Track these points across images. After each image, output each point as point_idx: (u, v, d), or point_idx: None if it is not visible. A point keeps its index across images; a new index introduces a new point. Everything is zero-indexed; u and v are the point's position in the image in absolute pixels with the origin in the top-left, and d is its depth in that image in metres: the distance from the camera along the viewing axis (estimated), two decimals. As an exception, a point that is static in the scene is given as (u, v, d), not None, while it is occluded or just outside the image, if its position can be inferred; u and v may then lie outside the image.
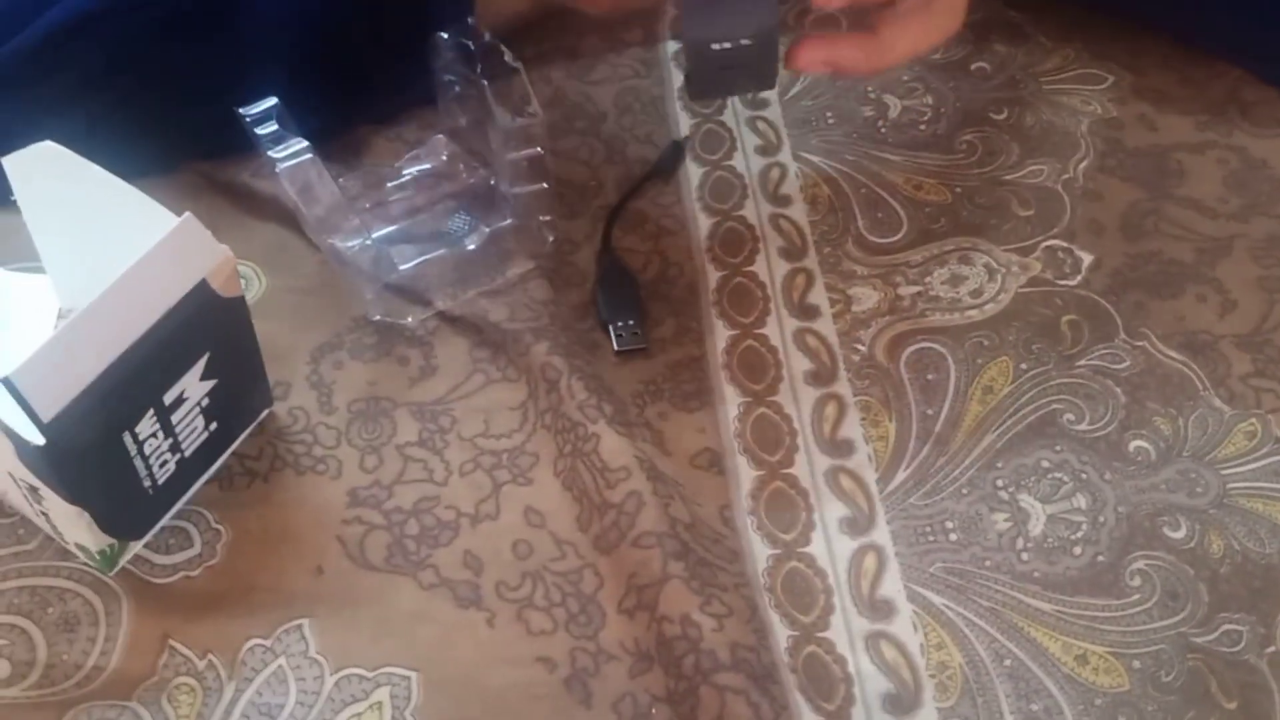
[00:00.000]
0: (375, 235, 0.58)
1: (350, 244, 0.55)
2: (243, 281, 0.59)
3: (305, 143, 0.53)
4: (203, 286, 0.46)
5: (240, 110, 0.54)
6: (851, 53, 0.50)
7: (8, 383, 0.40)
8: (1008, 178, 0.61)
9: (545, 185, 0.58)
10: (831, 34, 0.51)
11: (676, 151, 0.64)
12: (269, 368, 0.53)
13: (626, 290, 0.57)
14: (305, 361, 0.56)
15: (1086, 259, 0.58)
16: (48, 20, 0.55)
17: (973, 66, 0.67)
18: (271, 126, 0.54)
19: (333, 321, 0.57)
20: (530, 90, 0.55)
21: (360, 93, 0.63)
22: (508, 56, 0.55)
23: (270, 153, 0.53)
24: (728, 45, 0.48)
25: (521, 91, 0.56)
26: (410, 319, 0.57)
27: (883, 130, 0.64)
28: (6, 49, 0.54)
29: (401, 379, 0.55)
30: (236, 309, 0.48)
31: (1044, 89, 0.65)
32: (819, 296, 0.57)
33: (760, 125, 0.65)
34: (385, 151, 0.64)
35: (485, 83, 0.55)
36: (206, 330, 0.47)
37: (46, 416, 0.42)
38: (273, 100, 0.54)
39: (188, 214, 0.45)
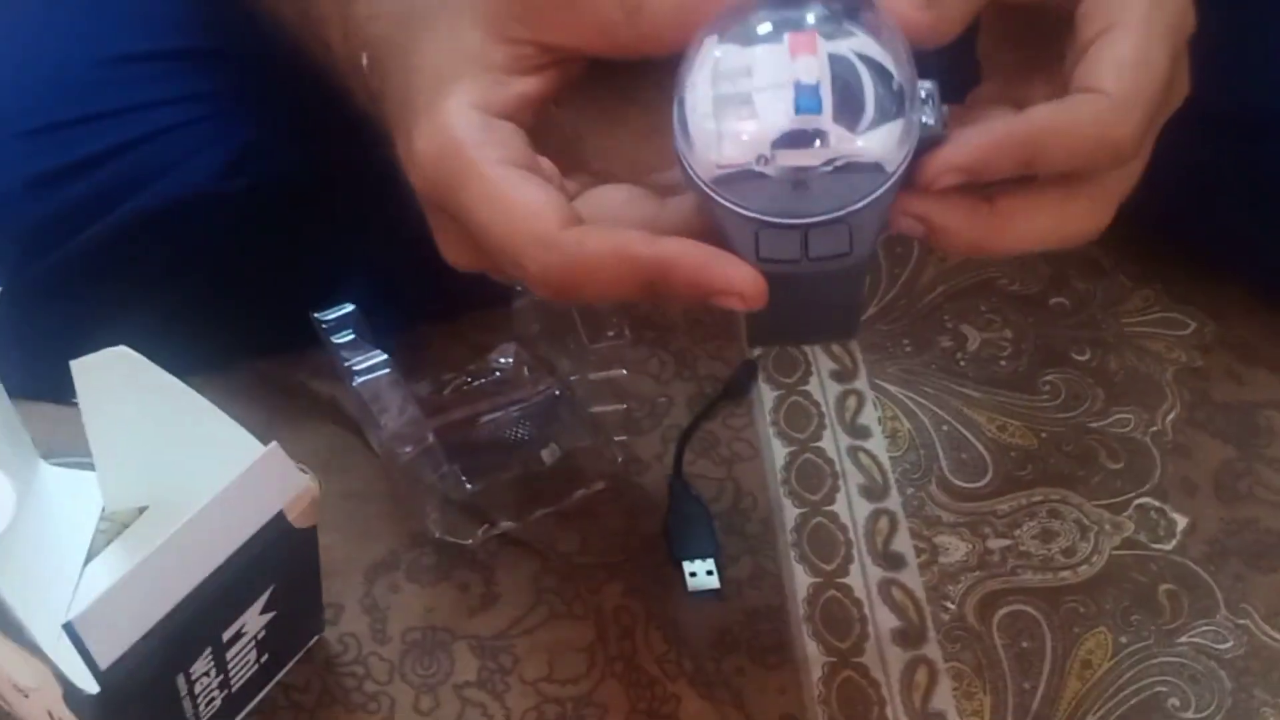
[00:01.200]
0: (442, 449, 0.55)
1: (416, 457, 0.52)
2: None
3: (383, 355, 0.51)
4: (279, 519, 0.43)
5: (316, 315, 0.52)
6: (956, 218, 0.36)
7: (69, 628, 0.37)
8: (1094, 425, 0.59)
9: (625, 406, 0.55)
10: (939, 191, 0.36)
11: (749, 371, 0.62)
12: (321, 586, 0.50)
13: (700, 523, 0.55)
14: (360, 581, 0.52)
15: (1181, 521, 0.56)
16: (127, 210, 0.52)
17: (1051, 301, 0.65)
18: (348, 335, 0.51)
19: (390, 536, 0.54)
20: (617, 309, 0.53)
21: (431, 291, 0.61)
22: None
23: (348, 364, 0.50)
24: (802, 281, 0.36)
25: (607, 309, 0.54)
26: (472, 540, 0.54)
27: (962, 363, 0.62)
28: (84, 237, 0.52)
29: (461, 607, 0.52)
30: (308, 539, 0.45)
31: (1125, 331, 0.64)
32: (904, 544, 0.54)
33: (835, 349, 0.63)
34: (450, 353, 0.61)
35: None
36: (276, 563, 0.44)
37: (105, 663, 0.38)
38: (349, 306, 0.52)
39: (274, 444, 0.42)
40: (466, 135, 0.37)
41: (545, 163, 0.38)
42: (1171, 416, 0.60)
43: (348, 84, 0.45)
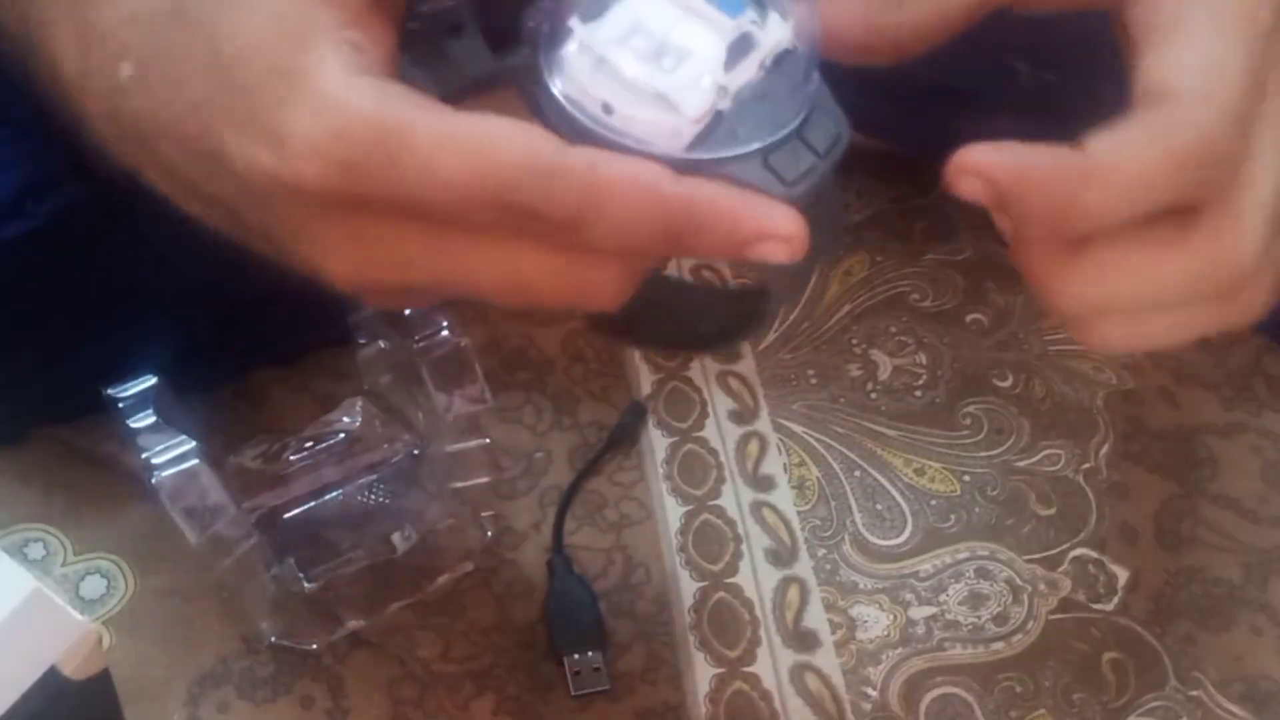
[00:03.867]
0: (275, 538, 0.46)
1: (238, 559, 0.44)
2: (105, 583, 0.48)
3: (191, 443, 0.42)
4: (51, 676, 0.34)
5: (110, 392, 0.43)
6: (1048, 172, 0.27)
7: None
8: (1021, 464, 0.53)
9: (488, 479, 0.48)
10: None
11: (637, 415, 0.54)
12: (133, 709, 0.42)
13: (583, 609, 0.47)
14: (182, 701, 0.44)
15: (1121, 575, 0.50)
16: None
17: (968, 318, 0.59)
18: (148, 417, 0.43)
19: (217, 642, 0.46)
20: (476, 367, 0.45)
21: (265, 332, 0.53)
22: (446, 327, 0.45)
23: (145, 455, 0.42)
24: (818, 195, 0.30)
25: (464, 367, 0.46)
26: (316, 645, 0.46)
27: (873, 395, 0.55)
28: None
29: (304, 728, 0.44)
30: (96, 689, 0.37)
31: (1050, 350, 0.57)
32: (817, 618, 0.48)
33: (733, 383, 0.55)
34: (288, 407, 0.53)
35: (419, 361, 0.45)
36: (52, 727, 0.35)
37: None
38: (149, 379, 0.43)
39: (36, 587, 0.34)
40: (375, 100, 0.28)
41: None
42: (1105, 450, 0.54)
43: (82, 104, 0.35)
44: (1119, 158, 0.27)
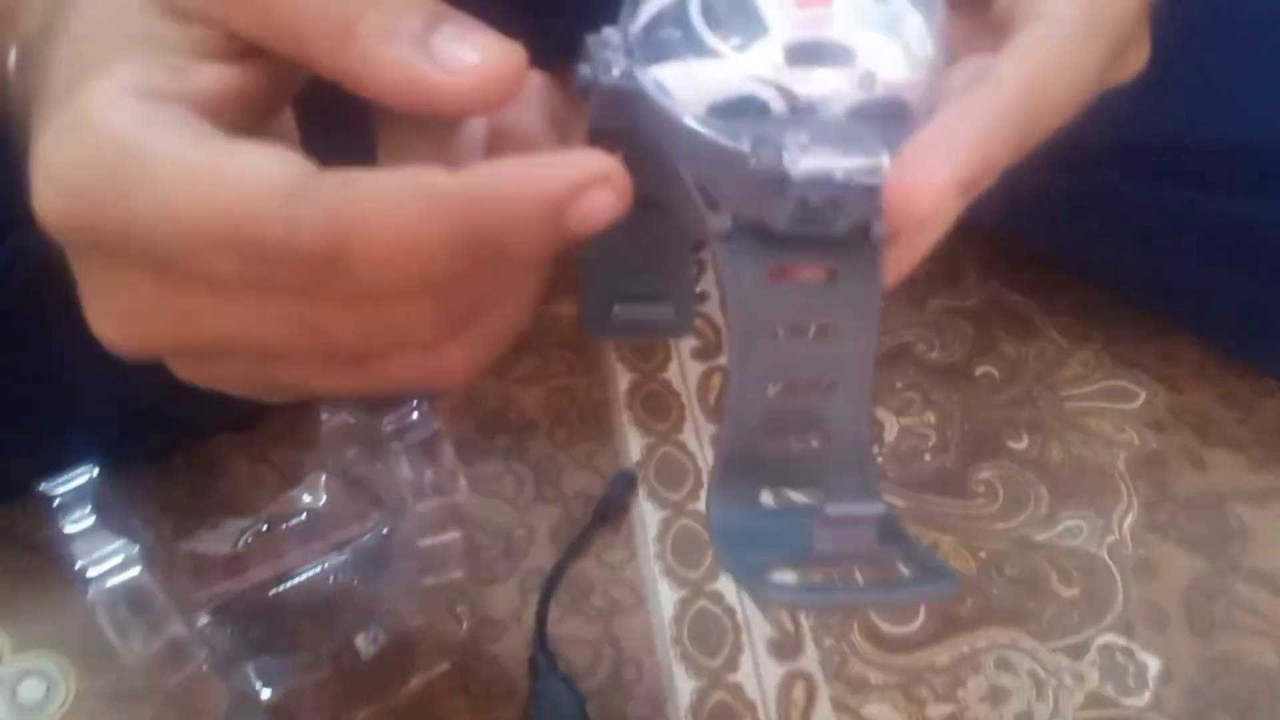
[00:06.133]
0: (232, 627, 0.42)
1: (191, 666, 0.40)
2: (44, 687, 0.44)
3: (133, 547, 0.38)
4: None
5: (43, 488, 0.39)
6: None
7: None
8: (1040, 538, 0.49)
9: (461, 574, 0.43)
10: None
11: (626, 485, 0.50)
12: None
13: (569, 713, 0.43)
14: (125, 825, 0.40)
15: (1153, 665, 0.46)
16: None
17: (977, 371, 0.55)
18: (86, 518, 0.38)
19: (166, 755, 0.42)
20: (451, 454, 0.41)
21: (212, 395, 0.48)
22: (416, 413, 0.41)
23: (80, 564, 0.37)
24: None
25: (437, 452, 0.42)
26: (276, 759, 0.42)
27: (880, 460, 0.51)
28: None
29: None
30: None
31: (1066, 408, 0.54)
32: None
33: (728, 448, 0.51)
34: (246, 478, 0.49)
35: (390, 446, 0.41)
36: None
37: None
38: (87, 472, 0.39)
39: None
40: (127, 122, 0.23)
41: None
42: (1129, 520, 0.50)
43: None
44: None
